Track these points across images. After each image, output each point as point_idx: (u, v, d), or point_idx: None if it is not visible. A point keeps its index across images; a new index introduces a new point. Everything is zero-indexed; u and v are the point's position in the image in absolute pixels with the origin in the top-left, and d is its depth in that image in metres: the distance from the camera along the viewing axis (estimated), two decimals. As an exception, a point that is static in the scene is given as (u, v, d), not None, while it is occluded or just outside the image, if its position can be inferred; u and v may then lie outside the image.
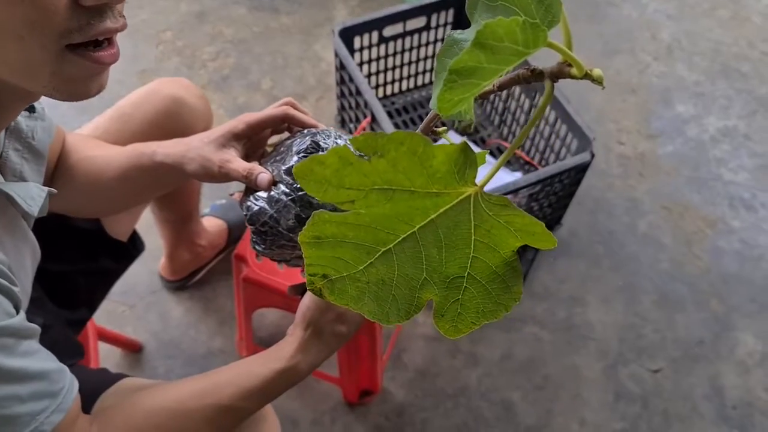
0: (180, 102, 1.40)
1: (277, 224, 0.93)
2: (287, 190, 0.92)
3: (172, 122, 1.38)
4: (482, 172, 0.59)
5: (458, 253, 0.59)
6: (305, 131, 1.01)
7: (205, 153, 1.02)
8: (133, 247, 1.49)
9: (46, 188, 0.90)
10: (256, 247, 1.00)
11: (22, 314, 0.83)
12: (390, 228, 0.58)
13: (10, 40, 0.68)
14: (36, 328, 0.85)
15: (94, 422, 0.95)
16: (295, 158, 0.94)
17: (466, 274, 0.60)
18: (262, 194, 0.95)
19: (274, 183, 0.94)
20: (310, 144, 0.95)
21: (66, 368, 0.89)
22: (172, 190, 1.48)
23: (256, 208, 0.95)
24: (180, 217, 1.78)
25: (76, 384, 0.90)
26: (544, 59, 0.63)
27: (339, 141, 0.98)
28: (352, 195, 0.57)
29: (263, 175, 0.95)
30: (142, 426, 0.96)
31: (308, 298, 1.02)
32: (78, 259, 1.34)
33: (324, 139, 0.97)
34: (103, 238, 1.39)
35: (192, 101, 1.43)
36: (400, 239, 0.58)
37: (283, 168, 0.94)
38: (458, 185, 0.58)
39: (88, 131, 1.31)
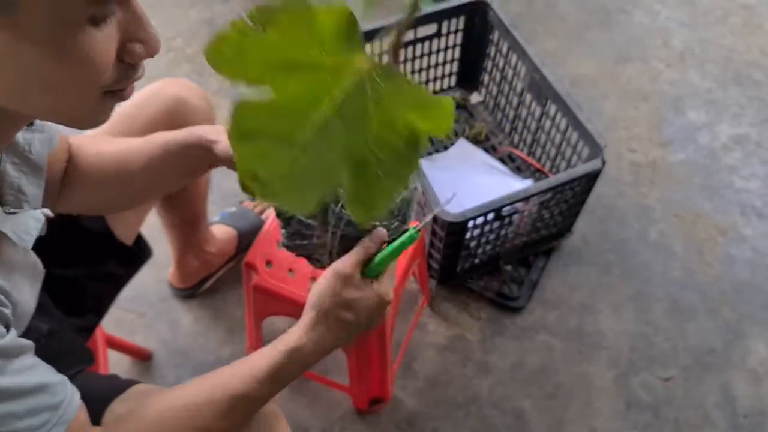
0: (183, 102, 1.42)
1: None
2: None
3: (175, 122, 1.40)
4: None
5: (363, 133, 0.58)
6: None
7: None
8: (140, 250, 1.50)
9: (43, 215, 0.93)
10: (284, 241, 1.07)
11: (13, 333, 0.84)
12: (300, 111, 0.57)
13: (58, 92, 0.74)
14: (29, 343, 0.85)
15: None
16: None
17: (372, 155, 0.59)
18: None
19: None
20: None
21: (66, 380, 0.88)
22: (179, 192, 1.51)
23: None
24: (186, 220, 1.79)
25: (77, 395, 0.89)
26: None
27: None
28: (258, 73, 0.56)
29: None
30: (154, 428, 0.96)
31: (318, 284, 1.01)
32: (84, 262, 1.34)
33: None
34: (109, 241, 1.39)
35: (195, 101, 1.45)
36: (311, 124, 0.57)
37: None
38: (349, 54, 0.56)
39: (92, 134, 1.31)
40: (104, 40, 0.72)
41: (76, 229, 1.30)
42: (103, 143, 1.21)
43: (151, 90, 1.42)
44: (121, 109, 1.37)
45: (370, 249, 1.01)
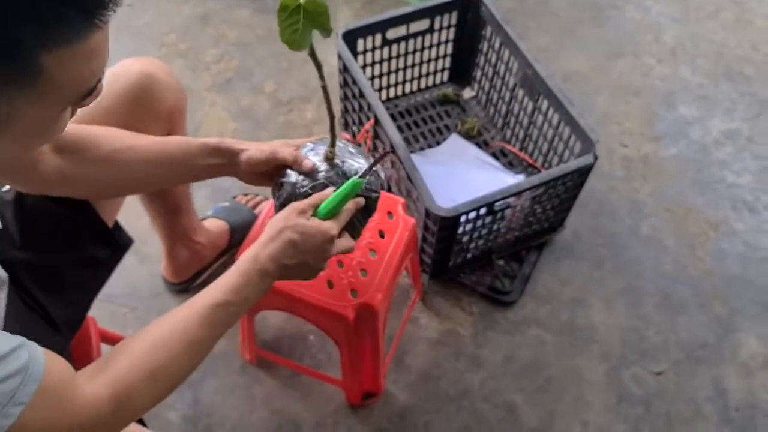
0: (151, 77, 1.44)
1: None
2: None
3: (143, 96, 1.43)
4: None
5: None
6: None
7: (263, 144, 1.30)
8: (118, 235, 1.49)
9: None
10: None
11: None
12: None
13: (18, 158, 0.89)
14: None
15: (97, 376, 0.99)
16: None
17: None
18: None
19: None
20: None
21: (24, 341, 0.88)
22: None
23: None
24: (169, 208, 1.79)
25: (39, 350, 0.89)
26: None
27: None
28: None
29: (307, 161, 1.25)
30: (147, 353, 1.04)
31: (278, 213, 1.21)
32: (65, 247, 1.34)
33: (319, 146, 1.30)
34: (89, 225, 1.39)
35: (162, 76, 1.47)
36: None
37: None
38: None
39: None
40: (69, 112, 0.87)
41: (56, 213, 1.31)
42: (128, 139, 1.28)
43: (117, 68, 1.44)
44: None
45: (322, 197, 1.20)
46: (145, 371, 1.02)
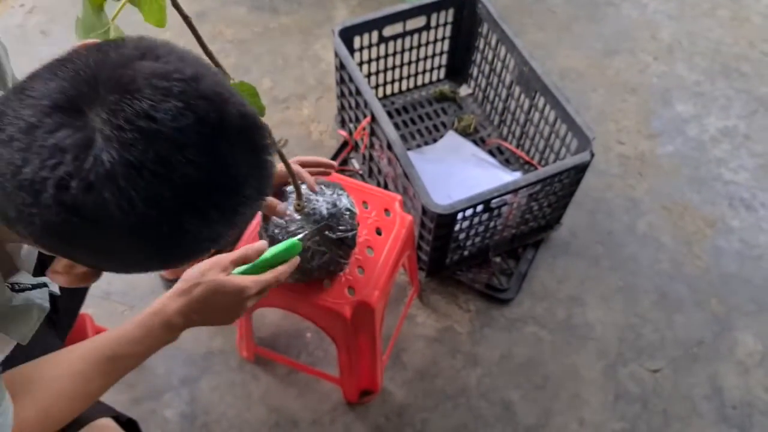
0: None
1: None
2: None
3: None
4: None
5: None
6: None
7: None
8: None
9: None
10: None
11: None
12: None
13: None
14: None
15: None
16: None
17: None
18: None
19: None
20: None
21: (2, 400, 0.91)
22: None
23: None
24: None
25: (9, 407, 0.93)
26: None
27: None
28: None
29: (281, 206, 1.34)
30: (48, 395, 1.04)
31: (198, 263, 1.15)
32: None
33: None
34: None
35: None
36: None
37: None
38: None
39: None
40: None
41: None
42: None
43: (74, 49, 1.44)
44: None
45: (249, 251, 1.16)
46: (40, 412, 1.03)
